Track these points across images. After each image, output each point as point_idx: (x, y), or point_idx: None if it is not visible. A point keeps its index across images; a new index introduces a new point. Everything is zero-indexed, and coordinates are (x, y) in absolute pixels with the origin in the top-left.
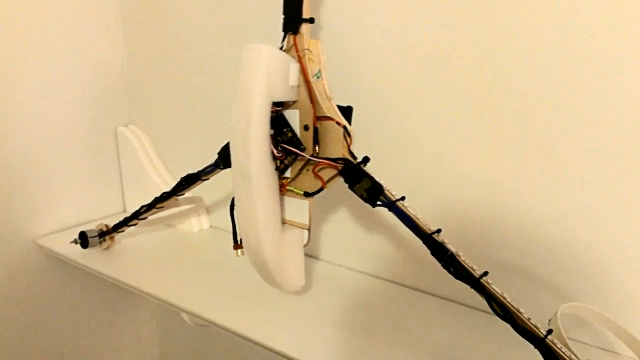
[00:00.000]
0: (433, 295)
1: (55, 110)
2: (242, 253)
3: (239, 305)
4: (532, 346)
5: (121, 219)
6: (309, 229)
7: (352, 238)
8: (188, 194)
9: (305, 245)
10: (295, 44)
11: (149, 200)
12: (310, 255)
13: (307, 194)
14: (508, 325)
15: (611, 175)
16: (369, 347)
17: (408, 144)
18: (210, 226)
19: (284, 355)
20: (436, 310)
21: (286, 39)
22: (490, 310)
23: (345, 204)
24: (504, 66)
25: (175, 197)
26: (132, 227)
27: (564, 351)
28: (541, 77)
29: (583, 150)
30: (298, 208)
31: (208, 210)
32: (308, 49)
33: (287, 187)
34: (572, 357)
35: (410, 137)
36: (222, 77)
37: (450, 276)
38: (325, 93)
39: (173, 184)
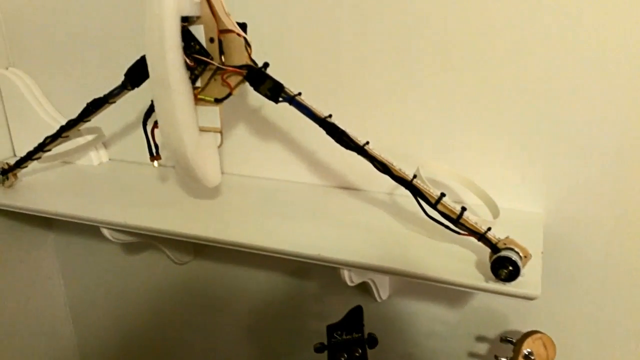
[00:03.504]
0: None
1: None
2: (159, 164)
3: (153, 211)
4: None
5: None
6: (221, 132)
7: (266, 149)
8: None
9: (219, 147)
10: None
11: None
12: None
13: (217, 100)
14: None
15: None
16: (276, 224)
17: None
18: (110, 159)
19: (196, 238)
20: (345, 196)
21: None
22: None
23: (254, 122)
24: None
25: (78, 127)
26: (32, 165)
27: (423, 186)
28: None
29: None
30: (210, 115)
31: (105, 145)
32: None
33: (199, 96)
34: (429, 189)
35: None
36: (105, 11)
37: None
38: (224, 10)
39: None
